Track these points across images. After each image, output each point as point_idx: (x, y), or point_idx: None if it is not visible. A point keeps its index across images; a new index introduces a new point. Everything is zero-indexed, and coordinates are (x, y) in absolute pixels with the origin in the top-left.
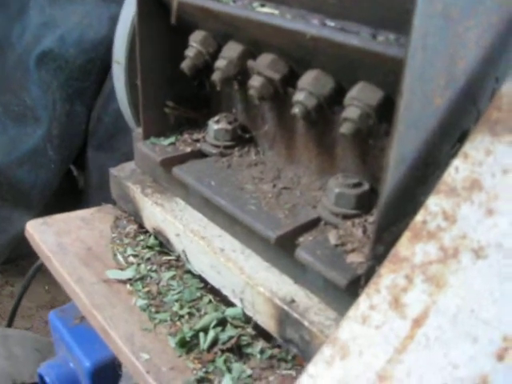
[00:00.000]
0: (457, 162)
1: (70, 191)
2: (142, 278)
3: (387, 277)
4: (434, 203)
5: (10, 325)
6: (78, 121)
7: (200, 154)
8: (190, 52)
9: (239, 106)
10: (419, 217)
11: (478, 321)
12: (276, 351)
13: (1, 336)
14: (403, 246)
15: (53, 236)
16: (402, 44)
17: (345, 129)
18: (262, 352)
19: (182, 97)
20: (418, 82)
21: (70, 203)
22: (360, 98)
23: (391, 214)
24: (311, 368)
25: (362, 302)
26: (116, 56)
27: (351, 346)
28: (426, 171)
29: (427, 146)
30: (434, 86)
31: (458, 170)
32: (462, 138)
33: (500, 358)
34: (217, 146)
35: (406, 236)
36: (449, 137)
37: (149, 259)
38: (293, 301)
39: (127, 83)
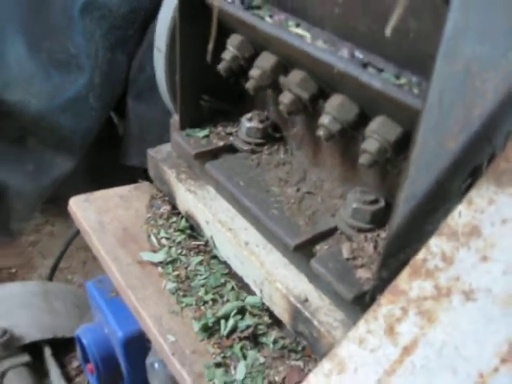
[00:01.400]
0: (461, 208)
1: (109, 138)
2: (172, 262)
3: (385, 306)
4: (435, 244)
5: (50, 278)
6: (119, 69)
7: (232, 148)
8: (226, 55)
9: (271, 107)
10: (420, 255)
11: (460, 357)
12: (287, 342)
13: (43, 291)
14: (403, 280)
15: (93, 214)
16: (421, 91)
17: (363, 159)
18: (275, 342)
19: (218, 91)
20: (432, 131)
21: (109, 149)
22: (379, 132)
23: (398, 243)
24: (312, 378)
25: (361, 326)
26: (157, 43)
27: (347, 364)
28: (436, 204)
29: (438, 184)
30: (448, 132)
31: (460, 215)
32: (475, 172)
33: None
34: (248, 143)
35: (407, 271)
36: (461, 173)
37: (179, 243)
38: (306, 300)
39: (167, 70)
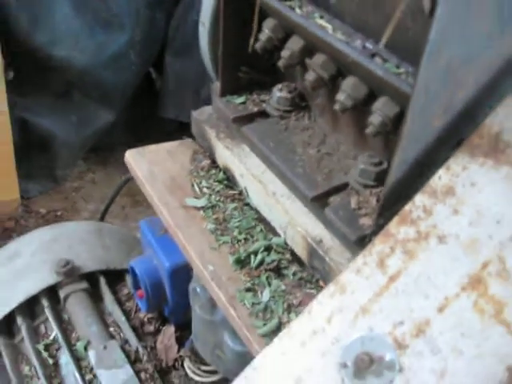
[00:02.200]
0: (441, 172)
1: (148, 92)
2: (212, 207)
3: (378, 245)
4: (419, 200)
5: (102, 219)
6: (158, 28)
7: (264, 114)
8: (262, 36)
9: (299, 80)
10: (407, 207)
11: (431, 284)
12: (304, 274)
13: (96, 229)
14: (393, 226)
15: (146, 164)
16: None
17: (369, 130)
18: (294, 274)
19: (255, 64)
20: (419, 113)
21: (147, 103)
22: (382, 109)
23: (393, 198)
24: (320, 297)
25: (359, 259)
26: (202, 18)
27: (347, 287)
28: (425, 169)
29: (426, 153)
30: (433, 114)
31: (440, 178)
32: (460, 143)
33: (440, 310)
34: (278, 110)
35: (396, 219)
36: (447, 145)
37: (218, 192)
38: (321, 241)
39: (210, 43)
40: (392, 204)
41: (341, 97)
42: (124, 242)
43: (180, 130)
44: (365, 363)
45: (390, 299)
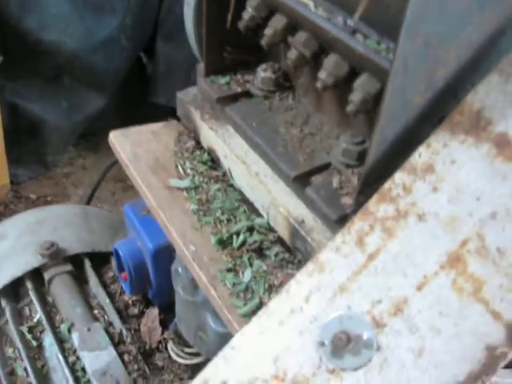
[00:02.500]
0: (421, 149)
1: (139, 77)
2: (195, 188)
3: (357, 223)
4: (399, 177)
5: (88, 203)
6: (150, 11)
7: (248, 94)
8: (245, 15)
9: (283, 60)
10: (387, 185)
11: (410, 263)
12: (287, 255)
13: (83, 213)
14: (372, 204)
15: (129, 146)
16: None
17: (349, 108)
18: (276, 255)
19: (239, 44)
20: (398, 91)
21: (138, 88)
22: (363, 86)
23: (373, 176)
24: (298, 276)
25: (338, 238)
26: None
27: (326, 266)
28: (407, 146)
29: (406, 130)
30: (413, 91)
31: (420, 155)
32: (441, 120)
33: (419, 288)
34: (262, 90)
35: (375, 197)
36: (428, 122)
37: (202, 172)
38: (303, 221)
39: (195, 22)
40: (372, 182)
41: (322, 75)
42: (110, 225)
43: (172, 115)
44: (342, 342)
45: (369, 278)
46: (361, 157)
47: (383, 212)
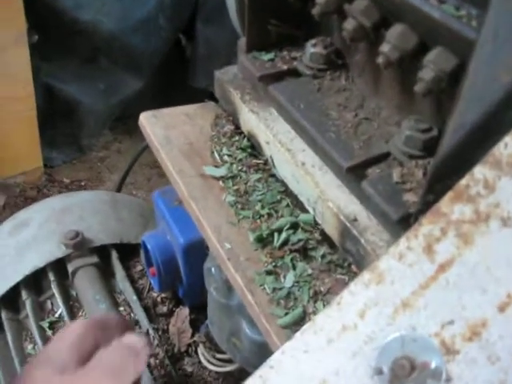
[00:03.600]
0: (507, 139)
1: (177, 59)
2: (233, 177)
3: (426, 226)
4: (479, 171)
5: (119, 190)
6: None
7: (295, 73)
8: None
9: (336, 33)
10: (464, 181)
11: (491, 277)
12: (335, 257)
13: (112, 200)
14: (445, 203)
15: (161, 129)
16: (479, 24)
17: (418, 87)
18: (323, 256)
19: (286, 16)
20: (484, 65)
21: (177, 71)
22: (436, 62)
23: (445, 169)
24: (352, 286)
25: (402, 243)
26: None
27: (386, 276)
28: (486, 135)
29: (489, 116)
30: (501, 66)
31: (506, 146)
32: None
33: (501, 309)
34: (311, 68)
35: (449, 195)
36: None
37: (240, 160)
38: (355, 219)
39: None
40: (444, 177)
41: (385, 48)
42: (141, 214)
43: (211, 99)
44: (404, 370)
45: (439, 293)
46: (427, 146)
47: (459, 214)
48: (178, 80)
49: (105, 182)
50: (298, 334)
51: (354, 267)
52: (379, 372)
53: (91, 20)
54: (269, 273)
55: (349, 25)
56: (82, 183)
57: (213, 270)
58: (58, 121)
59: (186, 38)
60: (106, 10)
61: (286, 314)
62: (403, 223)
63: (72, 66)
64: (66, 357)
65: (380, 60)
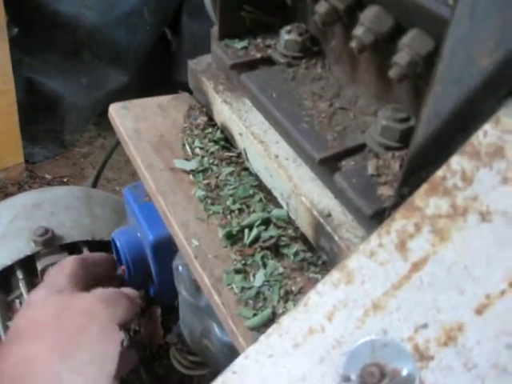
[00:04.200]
0: (487, 127)
1: (163, 54)
2: (203, 171)
3: (399, 222)
4: (457, 162)
5: (94, 186)
6: None
7: (270, 61)
8: None
9: (311, 19)
10: (440, 172)
11: (469, 277)
12: (308, 255)
13: (86, 196)
14: (419, 196)
15: (131, 121)
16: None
17: (392, 73)
18: (295, 254)
19: (259, 1)
20: (461, 46)
21: (162, 65)
22: (411, 45)
23: (421, 160)
24: (320, 286)
25: (373, 240)
26: None
27: (356, 275)
28: (464, 124)
29: (466, 102)
30: (480, 48)
31: (486, 135)
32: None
33: (479, 312)
34: (285, 56)
35: (424, 188)
36: (494, 93)
37: (212, 153)
38: (329, 215)
39: None
40: (419, 169)
41: (358, 31)
42: (116, 211)
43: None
44: (374, 377)
45: (412, 294)
46: (404, 137)
47: (434, 208)
48: (163, 74)
49: (88, 179)
50: (262, 337)
51: (329, 266)
52: (347, 379)
53: (74, 13)
54: (238, 271)
55: (321, 7)
56: (65, 179)
57: (180, 268)
58: (40, 116)
59: (171, 31)
60: (89, 3)
61: (255, 315)
62: (378, 218)
63: (54, 60)
64: (63, 282)
65: (353, 44)
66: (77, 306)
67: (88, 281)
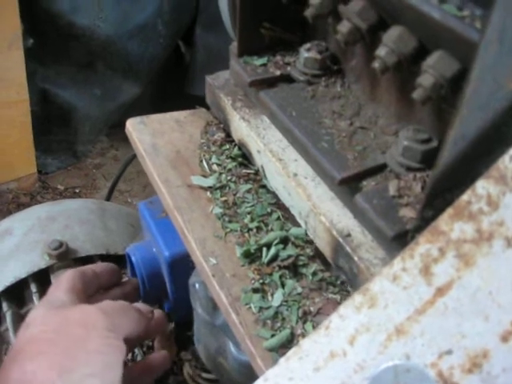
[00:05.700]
0: None
1: (176, 66)
2: (221, 187)
3: (423, 246)
4: (482, 186)
5: (108, 199)
6: None
7: (289, 78)
8: None
9: (331, 38)
10: (465, 196)
11: (494, 303)
12: (327, 275)
13: (99, 209)
14: (444, 220)
15: (148, 136)
16: (482, 24)
17: (416, 94)
18: (314, 274)
19: (279, 18)
20: (489, 70)
21: (175, 78)
22: (436, 67)
23: (445, 183)
24: (342, 309)
25: (396, 263)
26: None
27: (379, 299)
28: (490, 147)
29: (493, 126)
30: (508, 72)
31: None
32: None
33: (504, 339)
34: (305, 74)
35: (449, 212)
36: None
37: (230, 170)
38: (349, 235)
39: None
40: (443, 191)
41: (381, 52)
42: (130, 224)
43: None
44: None
45: (436, 319)
46: (426, 158)
47: (459, 232)
48: (176, 87)
49: (100, 190)
50: (282, 360)
51: (348, 286)
52: None
53: (88, 25)
54: (256, 291)
55: (343, 27)
56: (77, 190)
57: (197, 286)
58: (53, 126)
59: (185, 44)
60: (104, 15)
61: (273, 335)
62: (399, 240)
63: (68, 71)
64: (62, 297)
65: (376, 65)
66: (75, 318)
67: (90, 293)
